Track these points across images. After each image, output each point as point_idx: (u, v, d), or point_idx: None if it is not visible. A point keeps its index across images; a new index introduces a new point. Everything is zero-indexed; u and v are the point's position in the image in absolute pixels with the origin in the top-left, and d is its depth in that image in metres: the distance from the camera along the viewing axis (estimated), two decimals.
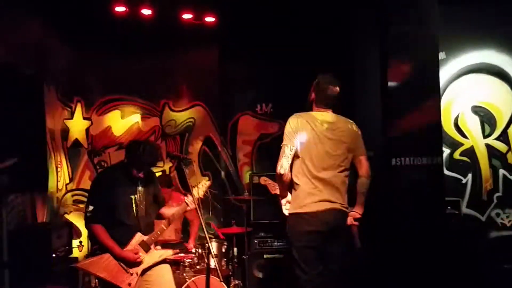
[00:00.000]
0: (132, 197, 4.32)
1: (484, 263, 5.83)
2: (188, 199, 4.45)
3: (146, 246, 4.29)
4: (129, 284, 4.17)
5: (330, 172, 4.03)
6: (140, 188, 4.37)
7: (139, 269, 4.24)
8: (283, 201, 4.21)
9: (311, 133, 4.04)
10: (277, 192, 4.90)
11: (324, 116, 4.14)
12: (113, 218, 4.24)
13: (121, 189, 4.30)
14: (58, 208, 6.64)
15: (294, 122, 4.08)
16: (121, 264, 4.20)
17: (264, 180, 5.14)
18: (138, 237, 4.29)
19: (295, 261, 4.02)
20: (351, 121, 4.29)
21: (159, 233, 4.36)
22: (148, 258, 4.30)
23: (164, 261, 4.45)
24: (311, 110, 4.23)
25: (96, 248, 4.38)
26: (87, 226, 4.32)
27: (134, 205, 4.31)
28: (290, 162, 4.01)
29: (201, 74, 7.44)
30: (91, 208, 4.22)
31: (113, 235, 4.21)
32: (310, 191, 3.99)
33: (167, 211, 4.57)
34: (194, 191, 4.42)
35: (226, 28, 7.17)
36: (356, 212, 4.14)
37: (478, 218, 6.51)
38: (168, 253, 4.48)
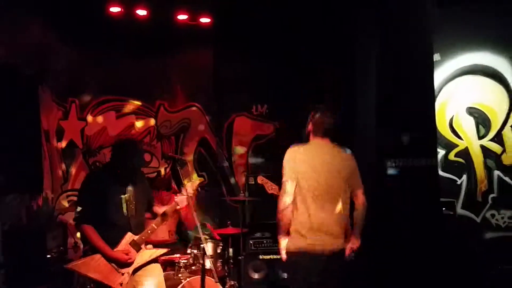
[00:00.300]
0: (122, 196, 4.30)
1: (479, 264, 5.85)
2: (178, 198, 4.44)
3: (136, 246, 4.27)
4: (121, 284, 4.16)
5: (330, 204, 3.98)
6: (130, 187, 4.34)
7: (130, 269, 4.23)
8: (282, 245, 4.06)
9: (310, 165, 4.00)
10: (274, 192, 4.91)
11: (322, 147, 4.12)
12: (103, 218, 4.23)
13: (110, 189, 4.28)
14: (53, 208, 6.62)
15: (291, 155, 4.03)
16: (112, 264, 4.18)
17: (261, 179, 5.13)
18: (129, 236, 4.27)
19: None
20: (349, 150, 4.24)
21: (149, 232, 4.34)
22: (139, 258, 4.28)
23: (155, 261, 4.43)
24: (308, 141, 4.20)
25: (87, 249, 4.38)
26: (77, 226, 4.33)
27: (124, 204, 4.29)
28: (292, 199, 3.95)
29: (196, 74, 7.43)
30: (79, 209, 4.22)
31: (103, 236, 4.20)
32: (311, 225, 3.93)
33: (159, 209, 4.56)
34: (184, 188, 4.41)
35: (222, 29, 7.17)
36: (353, 245, 4.10)
37: (473, 219, 6.52)
38: (159, 252, 4.45)
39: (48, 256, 5.23)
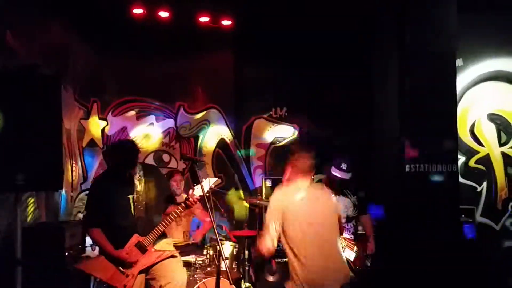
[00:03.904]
0: (130, 197, 4.24)
1: (498, 272, 5.77)
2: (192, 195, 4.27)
3: (142, 248, 4.22)
4: (125, 286, 4.14)
5: (323, 238, 3.96)
6: (139, 187, 4.26)
7: (135, 271, 4.19)
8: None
9: (297, 205, 3.98)
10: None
11: (306, 185, 4.10)
12: (110, 221, 4.23)
13: (116, 192, 4.25)
14: (72, 207, 6.70)
15: (278, 197, 4.05)
16: (118, 266, 4.18)
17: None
18: (135, 238, 4.21)
19: None
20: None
21: (156, 234, 4.25)
22: (145, 260, 4.22)
23: (173, 261, 4.33)
24: (289, 181, 4.15)
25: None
26: (85, 230, 4.35)
27: (132, 205, 4.24)
28: (274, 240, 3.94)
29: (216, 76, 7.47)
30: (84, 213, 4.28)
31: (110, 239, 4.20)
32: (308, 266, 3.87)
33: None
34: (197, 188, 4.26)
35: (242, 31, 7.18)
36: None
37: (492, 227, 6.45)
38: (167, 254, 4.32)
39: (66, 254, 5.27)
